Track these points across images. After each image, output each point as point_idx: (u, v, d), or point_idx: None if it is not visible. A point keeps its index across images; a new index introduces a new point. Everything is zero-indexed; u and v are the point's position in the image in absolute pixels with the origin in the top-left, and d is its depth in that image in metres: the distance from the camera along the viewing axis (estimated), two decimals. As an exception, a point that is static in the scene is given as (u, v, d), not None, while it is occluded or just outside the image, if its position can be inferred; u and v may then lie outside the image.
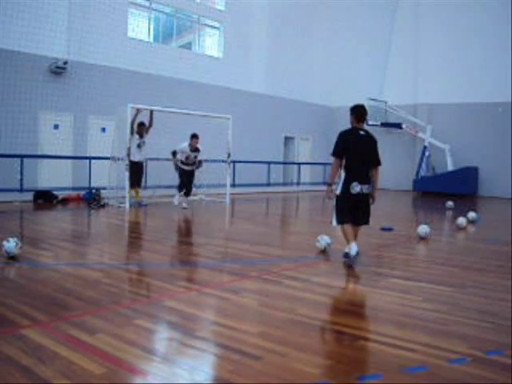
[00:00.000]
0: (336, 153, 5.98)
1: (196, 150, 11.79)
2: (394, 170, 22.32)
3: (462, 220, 9.81)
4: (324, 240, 6.88)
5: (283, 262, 6.52)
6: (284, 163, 21.99)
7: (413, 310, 4.28)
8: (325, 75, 23.47)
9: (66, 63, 13.78)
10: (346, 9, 22.94)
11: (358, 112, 6.05)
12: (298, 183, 21.38)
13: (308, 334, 3.64)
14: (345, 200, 5.99)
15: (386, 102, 21.75)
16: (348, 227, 6.04)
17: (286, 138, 22.27)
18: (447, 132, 20.41)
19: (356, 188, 5.91)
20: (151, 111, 12.16)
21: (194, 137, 11.71)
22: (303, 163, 22.12)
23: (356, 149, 5.95)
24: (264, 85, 21.24)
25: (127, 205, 11.37)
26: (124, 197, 11.47)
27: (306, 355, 3.22)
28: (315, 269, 6.10)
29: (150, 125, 12.07)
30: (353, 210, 6.04)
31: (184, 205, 11.81)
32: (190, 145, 11.69)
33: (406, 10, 21.69)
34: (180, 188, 12.08)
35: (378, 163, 6.17)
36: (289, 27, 21.92)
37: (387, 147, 22.45)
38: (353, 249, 5.96)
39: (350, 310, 4.45)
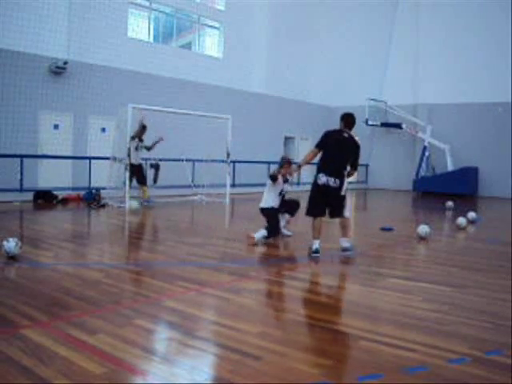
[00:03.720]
0: (316, 144, 6.60)
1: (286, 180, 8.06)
2: (394, 170, 22.34)
3: (461, 220, 9.80)
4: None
5: (283, 262, 6.53)
6: (284, 163, 21.94)
7: (413, 310, 4.28)
8: (325, 75, 23.47)
9: (66, 63, 13.77)
10: (346, 9, 22.94)
11: (346, 120, 6.57)
12: (298, 183, 21.38)
13: (308, 334, 3.64)
14: (314, 191, 6.48)
15: (385, 102, 21.75)
16: (317, 222, 6.45)
17: (286, 138, 22.27)
18: (447, 132, 20.39)
19: (322, 178, 6.33)
20: (160, 139, 12.22)
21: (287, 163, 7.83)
22: (303, 163, 22.10)
23: (332, 145, 6.42)
24: (264, 85, 21.21)
25: (127, 205, 11.36)
26: (124, 196, 11.48)
27: (306, 355, 3.22)
28: (315, 269, 6.10)
29: (150, 148, 12.24)
30: (323, 203, 6.42)
31: (286, 232, 8.09)
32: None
33: (406, 10, 21.68)
34: (271, 233, 7.57)
35: (353, 166, 6.52)
36: (289, 27, 21.90)
37: (387, 147, 22.49)
38: (314, 245, 6.38)
39: (349, 309, 4.45)
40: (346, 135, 6.47)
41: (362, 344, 3.48)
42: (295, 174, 7.03)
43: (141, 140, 11.92)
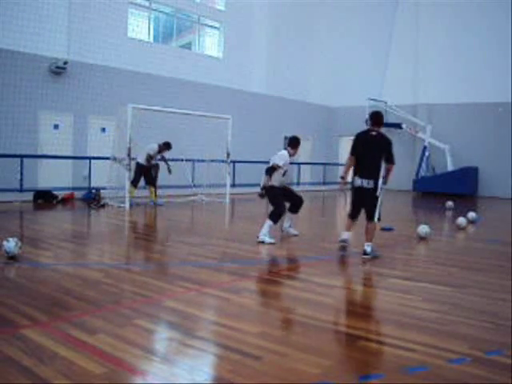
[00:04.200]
0: (350, 152, 6.75)
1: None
2: (394, 170, 22.29)
3: (462, 220, 9.80)
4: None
5: (283, 261, 6.53)
6: (284, 163, 21.92)
7: (413, 310, 4.28)
8: (325, 75, 23.47)
9: (66, 63, 13.77)
10: (346, 9, 22.93)
11: (374, 118, 6.74)
12: (298, 183, 21.38)
13: (308, 334, 3.64)
14: (352, 194, 6.78)
15: (385, 102, 21.74)
16: (349, 221, 6.83)
17: (286, 138, 22.24)
18: (447, 132, 20.39)
19: (357, 181, 6.54)
20: (170, 172, 12.30)
21: (296, 142, 7.94)
22: (303, 163, 22.10)
23: (362, 147, 6.60)
24: (264, 85, 21.21)
25: (127, 205, 11.37)
26: (124, 196, 11.49)
27: (306, 355, 3.22)
28: (315, 269, 6.09)
29: (166, 162, 12.34)
30: (359, 205, 6.67)
31: (292, 231, 8.06)
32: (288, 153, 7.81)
33: (406, 10, 21.68)
34: (278, 215, 7.53)
35: (388, 161, 6.55)
36: (289, 27, 21.90)
37: (387, 147, 22.48)
38: (342, 235, 6.79)
39: (350, 310, 4.45)
40: (373, 133, 6.59)
41: (362, 344, 3.48)
42: (344, 183, 6.94)
43: (159, 152, 12.03)
